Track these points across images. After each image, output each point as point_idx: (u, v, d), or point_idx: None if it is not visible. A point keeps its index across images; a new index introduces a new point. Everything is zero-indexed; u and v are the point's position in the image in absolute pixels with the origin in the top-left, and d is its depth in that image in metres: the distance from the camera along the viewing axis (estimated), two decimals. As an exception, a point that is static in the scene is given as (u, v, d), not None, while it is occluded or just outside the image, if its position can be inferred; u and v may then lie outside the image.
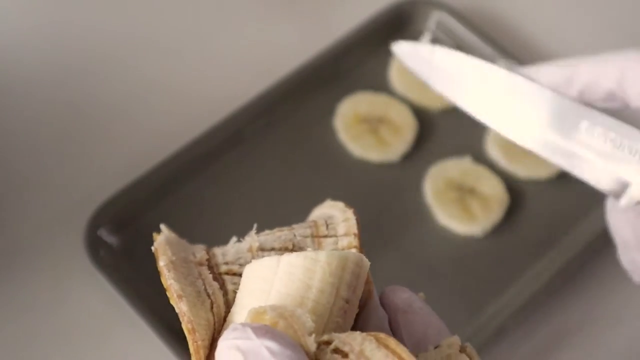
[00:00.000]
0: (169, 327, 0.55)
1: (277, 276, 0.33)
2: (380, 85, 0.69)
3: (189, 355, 0.54)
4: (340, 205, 0.41)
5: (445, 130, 0.67)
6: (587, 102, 0.45)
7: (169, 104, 0.68)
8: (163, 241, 0.38)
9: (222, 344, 0.29)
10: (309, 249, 0.38)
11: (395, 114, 0.67)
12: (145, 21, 0.73)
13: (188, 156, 0.63)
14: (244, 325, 0.29)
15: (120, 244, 0.60)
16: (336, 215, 0.40)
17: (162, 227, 0.40)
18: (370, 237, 0.62)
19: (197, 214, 0.62)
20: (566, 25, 0.76)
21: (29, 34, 0.71)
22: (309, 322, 0.30)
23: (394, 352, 0.30)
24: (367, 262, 0.35)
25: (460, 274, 0.61)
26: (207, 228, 0.61)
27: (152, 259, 0.59)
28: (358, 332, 0.31)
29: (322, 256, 0.33)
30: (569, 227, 0.62)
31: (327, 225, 0.39)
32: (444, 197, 0.63)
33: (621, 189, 0.43)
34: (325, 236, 0.38)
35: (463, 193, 0.63)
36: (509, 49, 0.71)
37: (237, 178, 0.64)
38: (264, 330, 0.29)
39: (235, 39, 0.72)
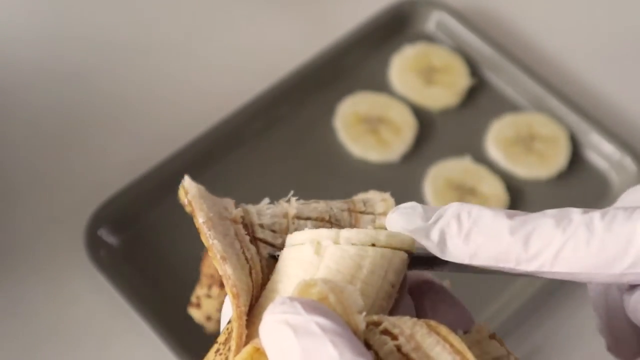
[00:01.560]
0: (168, 327, 0.55)
1: (329, 250, 0.32)
2: (380, 85, 0.69)
3: (189, 355, 0.54)
4: (377, 193, 0.40)
5: (445, 130, 0.67)
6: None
7: (169, 104, 0.68)
8: (197, 194, 0.35)
9: (270, 318, 0.28)
10: (346, 224, 0.36)
11: (395, 114, 0.67)
12: (145, 22, 0.73)
13: (188, 156, 0.63)
14: (292, 299, 0.28)
15: (120, 244, 0.60)
16: (373, 198, 0.39)
17: (187, 178, 0.36)
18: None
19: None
20: (566, 26, 0.76)
21: (29, 35, 0.71)
22: (359, 300, 0.29)
23: (445, 339, 0.29)
24: (406, 260, 0.34)
25: (460, 274, 0.61)
26: (207, 228, 0.61)
27: (152, 259, 0.59)
28: (408, 317, 0.30)
29: (382, 236, 0.32)
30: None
31: (364, 203, 0.38)
32: (444, 197, 0.63)
33: None
34: (363, 212, 0.37)
35: (463, 193, 0.63)
36: (509, 49, 0.71)
37: (237, 178, 0.64)
38: (313, 306, 0.28)
39: (235, 39, 0.72)
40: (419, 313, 0.35)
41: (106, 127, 0.66)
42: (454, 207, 0.33)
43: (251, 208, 0.37)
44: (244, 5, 0.74)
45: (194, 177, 0.66)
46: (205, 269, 0.52)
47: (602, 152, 0.66)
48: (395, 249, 0.33)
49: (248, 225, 0.35)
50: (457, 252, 0.33)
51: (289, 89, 0.67)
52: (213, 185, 0.63)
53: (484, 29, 0.72)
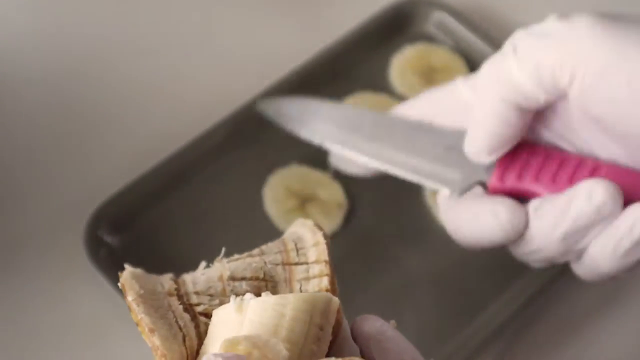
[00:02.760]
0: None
1: (250, 306, 0.34)
2: (380, 85, 0.69)
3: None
4: (309, 224, 0.41)
5: (445, 130, 0.67)
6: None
7: (169, 103, 0.68)
8: (128, 276, 0.38)
9: None
10: (280, 279, 0.38)
11: (395, 114, 0.67)
12: (145, 21, 0.73)
13: (188, 156, 0.63)
14: (216, 355, 0.30)
15: (120, 244, 0.60)
16: (306, 238, 0.40)
17: (126, 265, 0.39)
18: (369, 237, 0.62)
19: (197, 214, 0.62)
20: (566, 25, 0.76)
21: (29, 34, 0.71)
22: (282, 351, 0.31)
23: None
24: (336, 302, 0.35)
25: (460, 274, 0.61)
26: (207, 228, 0.61)
27: (152, 259, 0.59)
28: (334, 358, 0.32)
29: (290, 299, 0.33)
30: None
31: (297, 251, 0.39)
32: (444, 197, 0.63)
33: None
34: (297, 263, 0.38)
35: (463, 193, 0.63)
36: (509, 49, 0.71)
37: (238, 178, 0.64)
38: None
39: (235, 39, 0.72)
40: (365, 356, 0.36)
41: (106, 127, 0.66)
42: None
43: (187, 277, 0.39)
44: (244, 5, 0.74)
45: (194, 178, 0.66)
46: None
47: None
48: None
49: (183, 295, 0.37)
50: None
51: (289, 89, 0.67)
52: (213, 185, 0.64)
53: (484, 29, 0.72)
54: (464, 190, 0.51)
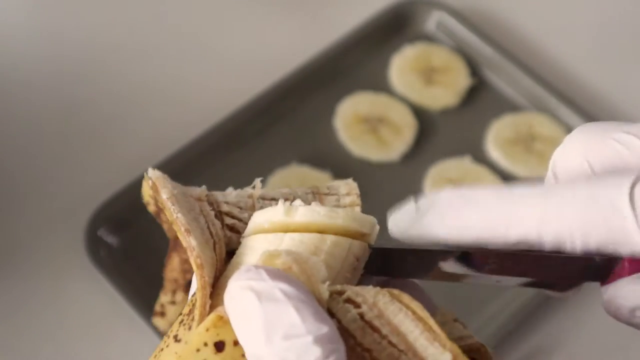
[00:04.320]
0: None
1: (299, 212, 0.33)
2: (380, 85, 0.69)
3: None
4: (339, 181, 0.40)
5: (445, 130, 0.67)
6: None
7: (169, 104, 0.68)
8: (160, 175, 0.35)
9: (235, 284, 0.28)
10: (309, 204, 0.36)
11: (395, 114, 0.67)
12: (145, 22, 0.73)
13: (188, 156, 0.63)
14: (257, 267, 0.29)
15: (120, 244, 0.60)
16: (335, 183, 0.39)
17: (150, 169, 0.36)
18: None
19: (197, 214, 0.62)
20: (566, 26, 0.76)
21: (28, 34, 0.71)
22: (322, 270, 0.30)
23: (407, 307, 0.30)
24: (377, 228, 0.34)
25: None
26: (207, 228, 0.61)
27: (152, 259, 0.59)
28: (371, 286, 0.31)
29: (330, 238, 0.32)
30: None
31: (328, 188, 0.38)
32: (444, 197, 0.63)
33: None
34: (327, 194, 0.37)
35: (463, 193, 0.63)
36: (509, 49, 0.71)
37: (237, 178, 0.64)
38: (277, 273, 0.28)
39: (235, 39, 0.72)
40: None
41: (106, 128, 0.66)
42: (445, 193, 0.34)
43: (216, 193, 0.37)
44: (245, 6, 0.74)
45: (194, 177, 0.66)
46: (169, 274, 0.51)
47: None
48: (353, 233, 0.33)
49: (213, 203, 0.35)
50: (452, 231, 0.34)
51: (289, 89, 0.67)
52: (213, 185, 0.63)
53: (484, 29, 0.72)
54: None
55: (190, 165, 0.63)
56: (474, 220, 0.34)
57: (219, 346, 0.29)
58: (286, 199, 0.36)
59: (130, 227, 0.60)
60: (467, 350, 0.33)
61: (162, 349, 0.32)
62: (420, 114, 0.67)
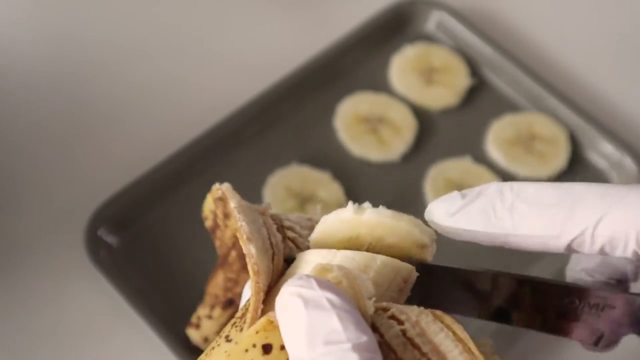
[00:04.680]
0: (168, 327, 0.55)
1: (367, 212, 0.34)
2: (380, 85, 0.69)
3: (189, 355, 0.54)
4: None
5: (445, 130, 0.67)
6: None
7: (169, 104, 0.68)
8: (229, 187, 0.38)
9: (286, 290, 0.30)
10: None
11: (395, 114, 0.67)
12: (145, 22, 0.73)
13: (188, 156, 0.63)
14: (308, 276, 0.30)
15: (120, 244, 0.60)
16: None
17: (217, 184, 0.40)
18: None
19: (196, 214, 0.62)
20: (566, 26, 0.76)
21: (29, 34, 0.71)
22: (370, 287, 0.31)
23: (449, 327, 0.31)
24: (414, 275, 0.35)
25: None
26: (207, 228, 0.61)
27: (152, 259, 0.59)
28: (415, 306, 0.32)
29: (380, 258, 0.34)
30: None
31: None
32: (444, 197, 0.63)
33: None
34: None
35: (463, 193, 0.63)
36: (509, 49, 0.71)
37: (237, 178, 0.64)
38: (326, 284, 0.30)
39: (235, 39, 0.72)
40: None
41: (106, 127, 0.66)
42: (494, 184, 0.34)
43: (278, 212, 0.39)
44: (244, 6, 0.74)
45: (194, 177, 0.66)
46: (211, 289, 0.52)
47: (602, 152, 0.66)
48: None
49: (276, 218, 0.38)
50: (501, 222, 0.33)
51: (289, 89, 0.67)
52: (213, 185, 0.63)
53: (484, 29, 0.72)
54: (612, 346, 0.39)
55: (190, 165, 0.63)
56: (527, 213, 0.33)
57: (267, 348, 0.31)
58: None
59: (130, 227, 0.60)
60: None
61: (213, 348, 0.34)
62: (420, 114, 0.67)
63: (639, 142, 0.68)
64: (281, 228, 0.37)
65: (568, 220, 0.32)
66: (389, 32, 0.71)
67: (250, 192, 0.63)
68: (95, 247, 0.58)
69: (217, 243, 0.46)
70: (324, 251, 0.34)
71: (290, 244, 0.37)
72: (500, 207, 0.33)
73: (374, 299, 0.31)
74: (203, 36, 0.72)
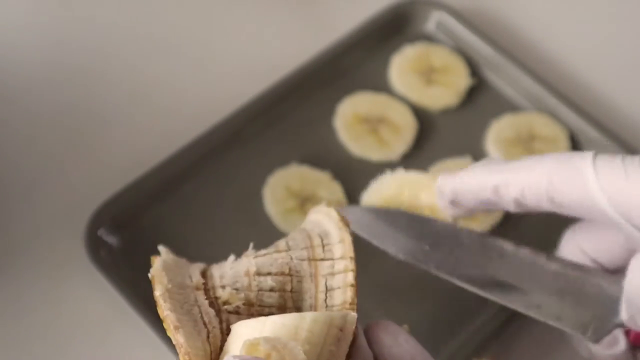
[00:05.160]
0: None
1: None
2: (380, 85, 0.69)
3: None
4: (334, 217, 0.41)
5: (445, 130, 0.67)
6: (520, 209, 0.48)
7: (169, 104, 0.68)
8: (159, 267, 0.38)
9: None
10: (306, 274, 0.39)
11: (395, 114, 0.67)
12: (145, 21, 0.73)
13: (188, 156, 0.63)
14: (235, 357, 0.31)
15: (120, 244, 0.60)
16: (332, 234, 0.40)
17: (161, 248, 0.40)
18: (370, 237, 0.62)
19: (196, 214, 0.62)
20: (566, 26, 0.76)
21: (30, 35, 0.71)
22: (300, 354, 0.32)
23: None
24: (353, 318, 0.36)
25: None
26: (206, 228, 0.61)
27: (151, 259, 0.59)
28: None
29: (309, 316, 0.34)
30: (569, 227, 0.62)
31: (323, 247, 0.40)
32: (444, 197, 0.63)
33: None
34: (322, 259, 0.39)
35: (463, 193, 0.63)
36: (509, 49, 0.71)
37: (237, 178, 0.64)
38: None
39: (235, 39, 0.72)
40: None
41: (106, 128, 0.66)
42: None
43: (215, 271, 0.39)
44: (245, 6, 0.74)
45: (194, 177, 0.66)
46: None
47: (602, 151, 0.66)
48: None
49: (210, 289, 0.38)
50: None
51: (289, 89, 0.67)
52: (213, 185, 0.64)
53: (484, 29, 0.72)
54: (602, 335, 0.44)
55: (190, 165, 0.63)
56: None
57: None
58: (282, 273, 0.38)
59: (130, 227, 0.60)
60: None
61: None
62: (420, 114, 0.67)
63: (639, 142, 0.68)
64: (215, 300, 0.37)
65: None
66: (389, 32, 0.71)
67: (250, 192, 0.63)
68: (95, 247, 0.58)
69: None
70: (252, 321, 0.35)
71: (225, 314, 0.37)
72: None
73: None
74: (203, 36, 0.72)
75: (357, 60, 0.70)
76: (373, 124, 0.66)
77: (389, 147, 0.65)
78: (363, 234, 0.52)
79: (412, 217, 0.51)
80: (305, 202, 0.62)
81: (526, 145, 0.66)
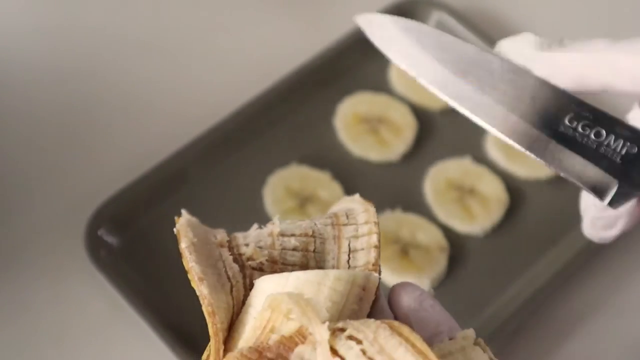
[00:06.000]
0: (169, 327, 0.55)
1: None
2: (380, 85, 0.69)
3: (189, 355, 0.54)
4: (357, 197, 0.41)
5: (445, 130, 0.67)
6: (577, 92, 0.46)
7: (169, 104, 0.68)
8: (184, 223, 0.39)
9: None
10: (329, 236, 0.38)
11: (395, 114, 0.67)
12: (145, 22, 0.73)
13: (188, 156, 0.63)
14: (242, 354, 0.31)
15: (120, 244, 0.60)
16: (356, 208, 0.40)
17: (183, 211, 0.40)
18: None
19: (196, 215, 0.62)
20: (566, 26, 0.76)
21: (30, 35, 0.71)
22: (323, 311, 0.32)
23: (407, 340, 0.31)
24: (375, 278, 0.36)
25: (460, 274, 0.61)
26: (207, 228, 0.61)
27: (151, 259, 0.59)
28: (372, 320, 0.32)
29: (332, 274, 0.34)
30: (569, 227, 0.62)
31: (347, 216, 0.40)
32: (444, 197, 0.63)
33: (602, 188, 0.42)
34: (346, 224, 0.39)
35: (463, 193, 0.63)
36: (509, 49, 0.71)
37: (237, 178, 0.64)
38: None
39: (235, 40, 0.72)
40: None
41: (106, 128, 0.66)
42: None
43: (238, 234, 0.39)
44: (245, 6, 0.74)
45: (194, 178, 0.66)
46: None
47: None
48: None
49: (234, 247, 0.38)
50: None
51: (289, 89, 0.67)
52: (213, 185, 0.64)
53: (484, 29, 0.72)
54: (621, 202, 0.42)
55: (191, 166, 0.63)
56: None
57: None
58: (305, 234, 0.38)
59: (130, 227, 0.60)
60: None
61: None
62: (420, 114, 0.67)
63: (639, 142, 0.68)
64: (238, 257, 0.37)
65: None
66: (389, 32, 0.71)
67: (250, 192, 0.63)
68: (95, 247, 0.58)
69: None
70: (275, 277, 0.35)
71: (249, 270, 0.37)
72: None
73: (327, 323, 0.31)
74: (203, 36, 0.72)
75: (357, 60, 0.70)
76: (373, 124, 0.66)
77: (389, 147, 0.65)
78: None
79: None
80: (305, 202, 0.62)
81: None
